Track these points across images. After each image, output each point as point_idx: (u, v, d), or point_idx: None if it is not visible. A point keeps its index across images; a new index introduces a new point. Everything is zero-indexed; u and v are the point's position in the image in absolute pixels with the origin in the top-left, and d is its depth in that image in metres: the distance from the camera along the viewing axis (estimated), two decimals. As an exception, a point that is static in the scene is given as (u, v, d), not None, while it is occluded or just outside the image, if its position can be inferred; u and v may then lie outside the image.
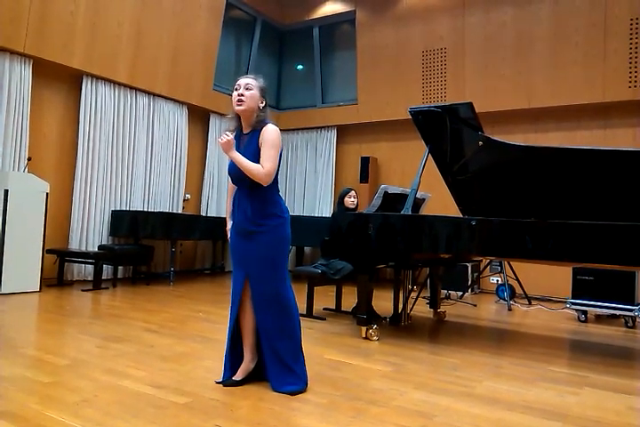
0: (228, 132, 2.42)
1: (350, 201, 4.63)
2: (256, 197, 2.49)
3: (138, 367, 2.76)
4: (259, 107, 2.51)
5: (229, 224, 2.65)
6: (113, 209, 6.42)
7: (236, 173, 2.50)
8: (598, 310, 4.84)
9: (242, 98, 2.46)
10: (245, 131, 2.56)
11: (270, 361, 2.50)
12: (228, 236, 2.66)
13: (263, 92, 2.53)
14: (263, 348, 2.53)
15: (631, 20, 5.96)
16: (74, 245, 6.02)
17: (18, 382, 2.46)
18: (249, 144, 2.50)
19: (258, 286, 2.49)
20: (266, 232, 2.47)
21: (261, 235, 2.47)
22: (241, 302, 2.56)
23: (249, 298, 2.54)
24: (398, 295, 4.36)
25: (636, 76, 5.93)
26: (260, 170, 2.40)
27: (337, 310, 4.82)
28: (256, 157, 2.44)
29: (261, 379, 2.54)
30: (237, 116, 2.56)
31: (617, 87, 6.03)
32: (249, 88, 2.48)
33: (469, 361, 3.25)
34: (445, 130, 3.82)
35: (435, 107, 3.83)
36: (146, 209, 6.84)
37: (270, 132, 2.46)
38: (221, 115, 7.98)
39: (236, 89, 2.50)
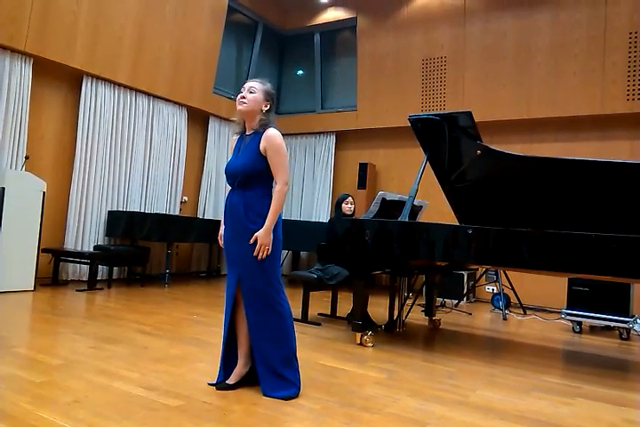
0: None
1: (347, 207, 4.64)
2: (249, 198, 2.49)
3: (131, 369, 2.74)
4: (261, 110, 2.54)
5: (222, 229, 2.64)
6: (109, 209, 6.40)
7: (232, 171, 2.54)
8: (593, 321, 4.85)
9: (243, 100, 2.51)
10: (248, 132, 2.60)
11: (260, 366, 2.48)
12: (221, 242, 2.64)
13: (268, 95, 2.56)
14: (254, 352, 2.51)
15: (630, 33, 6.02)
16: (69, 245, 5.99)
17: (9, 381, 2.44)
18: (249, 144, 2.54)
19: (248, 287, 2.48)
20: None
21: (253, 235, 2.45)
22: (236, 305, 2.56)
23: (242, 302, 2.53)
24: (394, 302, 4.35)
25: (634, 89, 5.98)
26: (281, 190, 2.47)
27: (332, 316, 4.81)
28: (254, 157, 2.49)
29: (255, 383, 2.51)
30: (243, 120, 2.60)
31: (615, 100, 6.07)
32: (252, 91, 2.53)
33: (464, 370, 3.24)
34: (444, 138, 3.83)
35: (434, 115, 3.85)
36: (143, 210, 6.83)
37: (273, 139, 2.48)
38: (221, 118, 8.01)
39: (241, 91, 2.55)
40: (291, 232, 4.46)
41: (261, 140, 2.49)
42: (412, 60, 7.55)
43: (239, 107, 2.52)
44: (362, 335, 3.71)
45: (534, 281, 5.87)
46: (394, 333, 4.28)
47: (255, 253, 2.41)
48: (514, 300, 6.01)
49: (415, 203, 4.07)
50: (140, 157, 6.80)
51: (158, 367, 2.81)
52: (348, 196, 4.74)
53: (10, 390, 2.30)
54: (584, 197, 3.57)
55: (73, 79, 6.09)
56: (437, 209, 5.28)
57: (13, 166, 5.36)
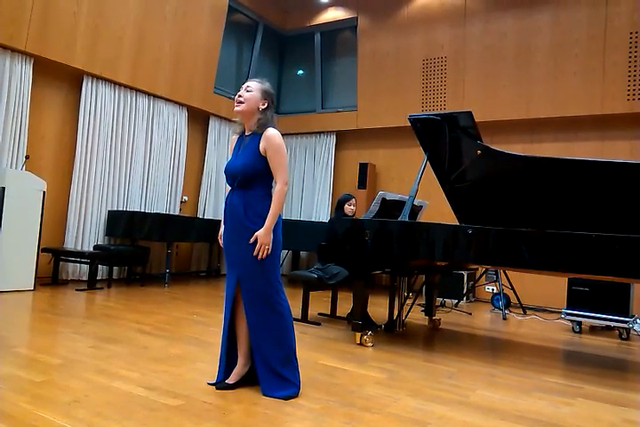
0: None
1: (350, 208, 4.64)
2: (249, 198, 2.49)
3: (130, 369, 2.74)
4: (259, 108, 2.52)
5: (222, 229, 2.64)
6: (110, 209, 6.41)
7: (232, 171, 2.54)
8: (593, 321, 4.85)
9: (240, 99, 2.51)
10: (247, 133, 2.59)
11: (260, 365, 2.48)
12: (221, 242, 2.64)
13: (265, 94, 2.54)
14: (253, 351, 2.51)
15: (630, 33, 6.01)
16: (69, 245, 5.99)
17: (9, 380, 2.44)
18: (248, 145, 2.53)
19: (248, 287, 2.48)
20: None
21: (253, 235, 2.45)
22: (236, 305, 2.56)
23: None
24: (393, 302, 4.35)
25: (634, 89, 5.98)
26: (280, 190, 2.47)
27: (332, 316, 4.81)
28: (254, 157, 2.48)
29: (255, 383, 2.51)
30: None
31: (615, 100, 6.07)
32: (249, 90, 2.53)
33: (464, 369, 3.24)
34: (444, 138, 3.83)
35: (434, 115, 3.85)
36: (143, 210, 6.82)
37: (273, 139, 2.47)
38: (221, 118, 8.01)
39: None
40: (291, 232, 4.47)
41: (261, 140, 2.48)
42: (412, 60, 7.55)
43: (236, 108, 2.52)
44: (362, 335, 3.71)
45: (534, 281, 5.87)
46: (394, 332, 4.28)
47: (255, 253, 2.41)
48: (514, 300, 6.01)
49: (415, 203, 4.07)
50: (140, 157, 6.80)
51: (158, 367, 2.81)
52: (352, 197, 4.72)
53: (9, 390, 2.30)
54: (584, 197, 3.57)
55: (73, 79, 6.09)
56: (437, 209, 5.28)
57: (13, 166, 5.35)
